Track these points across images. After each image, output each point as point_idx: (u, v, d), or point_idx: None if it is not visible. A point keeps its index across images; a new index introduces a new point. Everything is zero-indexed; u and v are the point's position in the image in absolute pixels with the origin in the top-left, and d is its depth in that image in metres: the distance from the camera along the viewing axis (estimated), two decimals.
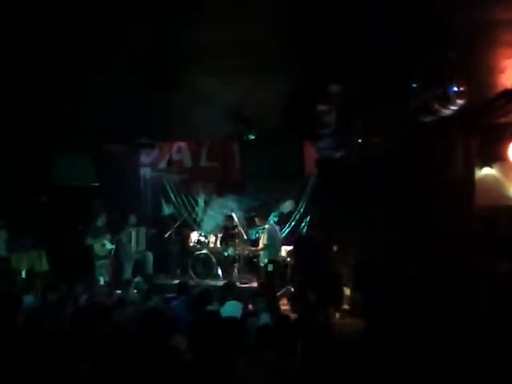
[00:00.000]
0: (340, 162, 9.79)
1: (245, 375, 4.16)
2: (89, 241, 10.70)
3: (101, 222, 10.88)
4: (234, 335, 5.08)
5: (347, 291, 9.79)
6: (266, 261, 10.15)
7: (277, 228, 10.82)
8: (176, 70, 5.63)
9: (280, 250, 10.56)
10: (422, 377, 4.65)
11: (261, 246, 10.50)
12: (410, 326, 6.14)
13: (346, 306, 9.69)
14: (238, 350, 4.60)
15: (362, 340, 6.45)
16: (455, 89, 4.70)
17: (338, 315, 9.11)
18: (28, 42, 4.67)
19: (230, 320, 5.77)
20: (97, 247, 10.71)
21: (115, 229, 10.93)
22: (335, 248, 9.44)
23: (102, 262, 10.71)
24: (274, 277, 9.97)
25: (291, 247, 10.79)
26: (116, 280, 10.11)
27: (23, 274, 9.65)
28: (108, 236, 10.81)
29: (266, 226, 10.50)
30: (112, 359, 4.29)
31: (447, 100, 4.73)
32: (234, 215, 11.34)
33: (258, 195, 12.34)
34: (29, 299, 7.06)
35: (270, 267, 9.94)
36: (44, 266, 10.83)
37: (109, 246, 10.78)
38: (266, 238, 10.31)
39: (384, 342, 5.50)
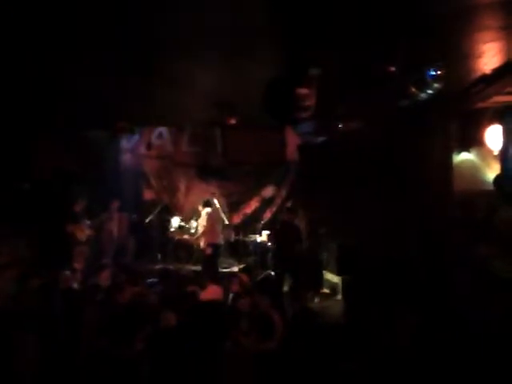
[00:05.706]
0: (321, 147, 9.85)
1: (228, 357, 4.22)
2: (68, 227, 10.57)
3: (79, 207, 10.76)
4: (216, 318, 5.14)
5: (328, 275, 9.91)
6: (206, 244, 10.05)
7: (220, 212, 10.78)
8: (157, 55, 5.60)
9: (219, 234, 10.41)
10: (403, 359, 4.75)
11: (200, 230, 10.46)
12: (391, 311, 6.25)
13: (326, 290, 9.83)
14: (220, 333, 4.66)
15: (343, 324, 6.56)
16: (432, 73, 4.75)
17: (318, 299, 9.24)
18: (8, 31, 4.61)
19: (212, 303, 5.83)
20: (78, 233, 10.47)
21: (96, 214, 10.83)
22: (316, 232, 9.50)
23: (82, 247, 10.48)
24: (213, 260, 9.98)
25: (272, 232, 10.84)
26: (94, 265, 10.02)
27: None
28: (87, 222, 10.68)
29: (206, 210, 10.40)
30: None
31: (424, 84, 4.78)
32: (215, 200, 11.31)
33: (239, 180, 12.37)
34: None
35: (209, 250, 9.91)
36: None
37: (87, 231, 10.58)
38: (206, 221, 10.25)
39: (365, 326, 5.59)
